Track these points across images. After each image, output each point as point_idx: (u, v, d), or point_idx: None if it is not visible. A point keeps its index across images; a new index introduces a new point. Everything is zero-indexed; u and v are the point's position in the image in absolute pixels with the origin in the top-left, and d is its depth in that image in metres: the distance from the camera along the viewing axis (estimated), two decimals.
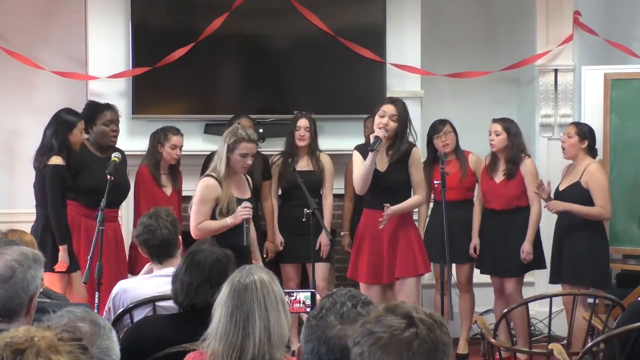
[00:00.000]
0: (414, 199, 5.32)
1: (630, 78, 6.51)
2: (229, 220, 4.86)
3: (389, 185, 5.20)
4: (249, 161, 5.01)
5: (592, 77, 6.64)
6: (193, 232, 4.93)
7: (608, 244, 5.95)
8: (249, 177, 5.25)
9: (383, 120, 5.17)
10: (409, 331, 1.71)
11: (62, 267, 5.36)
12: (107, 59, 6.51)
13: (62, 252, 5.36)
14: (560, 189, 5.86)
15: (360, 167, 5.20)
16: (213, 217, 4.94)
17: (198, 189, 5.01)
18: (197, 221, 4.93)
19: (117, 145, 5.87)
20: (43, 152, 5.46)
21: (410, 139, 5.31)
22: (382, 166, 5.24)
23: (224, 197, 4.93)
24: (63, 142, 5.44)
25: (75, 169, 5.57)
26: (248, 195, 5.11)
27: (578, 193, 5.71)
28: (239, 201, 4.97)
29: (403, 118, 5.20)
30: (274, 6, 6.69)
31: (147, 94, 6.57)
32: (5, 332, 1.73)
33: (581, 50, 7.07)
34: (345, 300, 2.13)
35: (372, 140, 5.12)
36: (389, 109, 5.20)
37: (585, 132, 5.81)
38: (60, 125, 5.47)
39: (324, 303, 2.15)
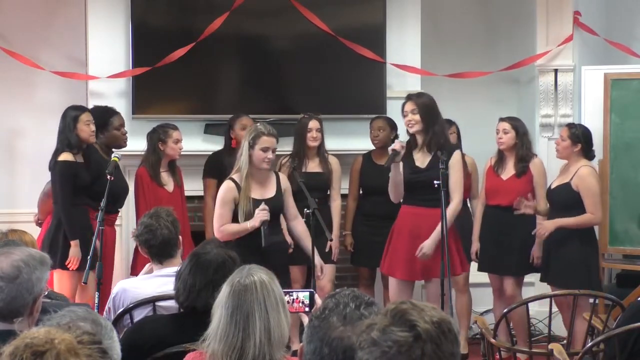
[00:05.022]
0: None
1: (630, 78, 6.51)
2: (248, 225, 4.95)
3: (423, 182, 5.18)
4: (270, 155, 5.04)
5: (592, 77, 6.64)
6: (217, 235, 5.04)
7: (598, 248, 5.94)
8: (280, 175, 5.28)
9: (407, 118, 5.21)
10: (415, 349, 1.70)
11: (74, 263, 5.32)
12: (107, 59, 6.51)
13: (74, 248, 5.32)
14: (552, 187, 5.87)
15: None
16: (235, 219, 5.03)
17: (219, 191, 5.17)
18: (219, 224, 5.05)
19: None
20: (54, 152, 5.47)
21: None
22: (423, 162, 5.24)
23: (241, 199, 5.02)
24: (72, 139, 5.43)
25: (95, 173, 5.50)
26: (270, 195, 5.11)
27: (566, 193, 5.71)
28: (257, 202, 5.01)
29: (423, 108, 5.19)
30: (274, 6, 6.69)
31: (147, 94, 6.57)
32: (25, 332, 1.74)
33: (581, 50, 7.07)
34: (349, 301, 2.12)
35: (389, 155, 5.10)
36: (407, 106, 5.25)
37: (577, 136, 5.76)
38: (65, 122, 5.48)
39: (327, 303, 2.13)
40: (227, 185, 5.08)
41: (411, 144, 5.32)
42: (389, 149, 5.17)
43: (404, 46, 6.80)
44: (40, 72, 6.60)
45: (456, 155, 5.29)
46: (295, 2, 6.55)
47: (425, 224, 5.20)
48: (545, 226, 5.72)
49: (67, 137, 5.43)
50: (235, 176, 5.09)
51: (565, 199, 5.70)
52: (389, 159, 5.07)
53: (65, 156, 5.40)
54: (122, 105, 6.41)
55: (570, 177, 5.73)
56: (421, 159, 5.23)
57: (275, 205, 5.12)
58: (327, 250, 5.92)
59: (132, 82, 6.49)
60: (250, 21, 6.64)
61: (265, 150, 5.02)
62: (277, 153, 6.17)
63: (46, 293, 2.82)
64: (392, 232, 5.40)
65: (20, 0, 6.79)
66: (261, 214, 4.93)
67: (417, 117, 5.18)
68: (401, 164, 5.22)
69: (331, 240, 5.72)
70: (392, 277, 5.39)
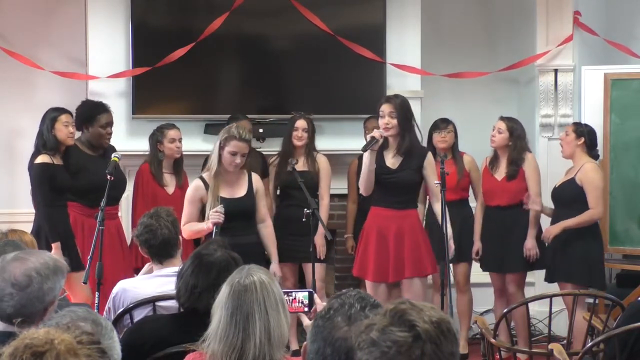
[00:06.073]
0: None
1: (630, 78, 6.51)
2: (204, 225, 4.94)
3: (396, 183, 5.20)
4: (238, 160, 5.01)
5: (592, 77, 6.64)
6: (183, 233, 4.94)
7: (602, 244, 5.95)
8: (253, 176, 5.22)
9: (384, 120, 5.20)
10: (415, 349, 1.70)
11: None
12: (107, 59, 6.51)
13: (55, 250, 5.28)
14: (557, 185, 5.89)
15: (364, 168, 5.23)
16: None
17: (187, 190, 5.19)
18: (184, 222, 5.01)
19: (117, 146, 5.86)
20: (32, 154, 5.46)
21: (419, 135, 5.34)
22: (394, 164, 5.24)
23: (209, 197, 4.99)
24: (49, 140, 5.40)
25: (74, 170, 5.53)
26: (240, 194, 5.10)
27: (572, 189, 5.74)
28: (226, 201, 4.99)
29: (401, 112, 5.19)
30: (274, 6, 6.69)
31: (147, 94, 6.57)
32: (25, 333, 1.74)
33: (581, 50, 7.07)
34: (354, 302, 2.11)
35: (367, 140, 5.13)
36: (385, 107, 5.23)
37: (582, 131, 5.82)
38: (44, 123, 5.46)
39: (332, 304, 2.12)
40: (194, 184, 5.12)
41: (382, 144, 5.32)
42: (369, 135, 5.21)
43: (403, 46, 6.80)
44: (40, 72, 6.60)
45: (430, 156, 5.29)
46: (295, 2, 6.55)
47: (393, 225, 5.22)
48: (550, 231, 5.78)
49: (44, 139, 5.41)
50: (205, 175, 5.09)
51: (570, 195, 5.72)
52: (368, 143, 5.09)
53: (42, 158, 5.38)
54: (122, 105, 6.42)
55: (574, 173, 5.76)
56: (392, 160, 5.24)
57: (245, 206, 5.10)
58: (311, 249, 5.91)
59: (132, 82, 6.49)
60: (250, 21, 6.64)
61: (233, 154, 5.00)
62: (271, 152, 6.21)
63: (61, 297, 2.81)
64: (361, 234, 5.40)
65: (20, 0, 6.79)
66: (213, 216, 4.90)
67: (395, 121, 5.19)
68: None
69: (330, 239, 5.71)
70: (365, 279, 5.39)
